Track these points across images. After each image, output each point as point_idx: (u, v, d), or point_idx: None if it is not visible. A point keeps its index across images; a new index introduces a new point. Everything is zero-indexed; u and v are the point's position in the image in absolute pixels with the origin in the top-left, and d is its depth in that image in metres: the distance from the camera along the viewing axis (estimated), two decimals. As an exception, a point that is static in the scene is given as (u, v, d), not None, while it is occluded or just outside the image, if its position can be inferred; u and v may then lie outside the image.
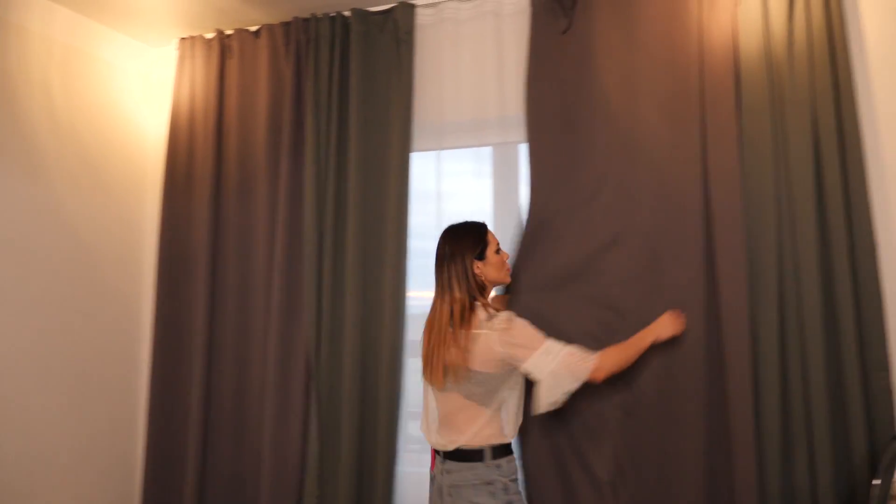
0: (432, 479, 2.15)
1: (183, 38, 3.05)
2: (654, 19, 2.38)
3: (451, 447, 2.07)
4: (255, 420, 2.78)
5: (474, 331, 2.01)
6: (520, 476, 2.16)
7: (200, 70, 3.00)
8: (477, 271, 2.09)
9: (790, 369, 2.18)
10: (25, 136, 2.63)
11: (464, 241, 2.11)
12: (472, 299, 2.07)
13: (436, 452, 2.14)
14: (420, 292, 2.60)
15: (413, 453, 2.75)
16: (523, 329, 2.02)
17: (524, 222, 2.44)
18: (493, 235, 2.17)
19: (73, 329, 2.81)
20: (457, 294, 2.06)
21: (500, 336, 1.99)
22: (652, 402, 2.26)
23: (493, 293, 2.33)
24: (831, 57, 2.21)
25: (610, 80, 2.38)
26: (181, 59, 3.04)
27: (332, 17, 2.77)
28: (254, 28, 2.96)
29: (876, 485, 1.76)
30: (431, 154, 2.74)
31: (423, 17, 2.72)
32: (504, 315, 2.03)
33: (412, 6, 2.70)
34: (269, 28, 2.90)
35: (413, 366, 2.56)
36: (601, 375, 2.01)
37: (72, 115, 2.84)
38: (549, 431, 2.31)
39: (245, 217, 2.88)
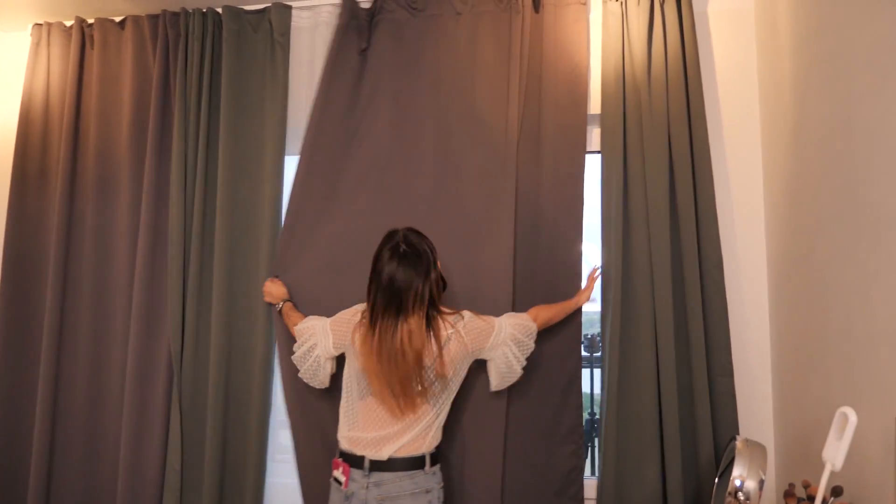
0: (349, 495, 1.97)
1: (38, 24, 2.84)
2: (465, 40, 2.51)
3: (384, 456, 1.96)
4: (111, 433, 2.63)
5: (443, 339, 1.99)
6: None
7: (57, 59, 2.82)
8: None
9: (642, 372, 2.30)
10: None
11: (421, 264, 1.98)
12: (434, 311, 2.02)
13: (350, 465, 2.00)
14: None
15: (282, 463, 2.67)
16: (476, 318, 2.07)
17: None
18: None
19: None
20: (420, 314, 1.96)
21: (466, 332, 2.02)
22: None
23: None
24: (685, 81, 2.36)
25: (398, 101, 2.51)
26: (35, 45, 2.84)
27: (204, 13, 2.68)
28: (118, 18, 2.81)
29: (717, 484, 1.87)
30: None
31: (298, 20, 2.68)
32: (465, 313, 2.06)
33: (288, 7, 2.66)
34: (134, 19, 2.76)
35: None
36: (540, 324, 2.17)
37: None
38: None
39: (104, 217, 2.72)
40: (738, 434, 2.23)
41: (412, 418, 1.99)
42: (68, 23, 2.84)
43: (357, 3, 2.58)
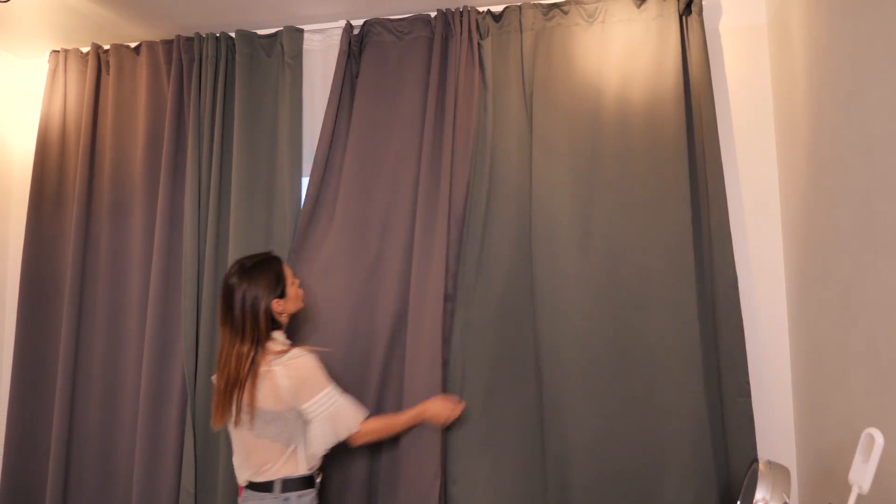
0: None
1: (55, 51, 2.89)
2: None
3: (242, 481, 2.04)
4: (125, 456, 2.63)
5: (263, 369, 1.97)
6: None
7: (73, 85, 2.86)
8: (278, 309, 2.06)
9: (665, 393, 2.26)
10: None
11: (261, 281, 2.03)
12: (266, 338, 2.02)
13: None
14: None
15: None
16: (311, 368, 2.00)
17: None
18: (287, 267, 2.14)
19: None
20: (249, 338, 1.99)
21: (287, 371, 1.97)
22: None
23: None
24: (696, 99, 2.34)
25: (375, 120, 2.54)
26: (52, 72, 2.88)
27: (217, 37, 2.71)
28: (133, 44, 2.85)
29: (737, 506, 1.83)
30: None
31: (310, 43, 2.70)
32: (294, 352, 2.01)
33: (300, 31, 2.68)
34: (149, 45, 2.79)
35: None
36: (359, 441, 2.07)
37: (-76, 126, 2.63)
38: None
39: (119, 239, 2.74)
40: (757, 456, 2.19)
41: (259, 454, 2.00)
42: (84, 49, 2.89)
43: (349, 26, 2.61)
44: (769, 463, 1.73)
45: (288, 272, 2.12)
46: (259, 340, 1.99)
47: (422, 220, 2.42)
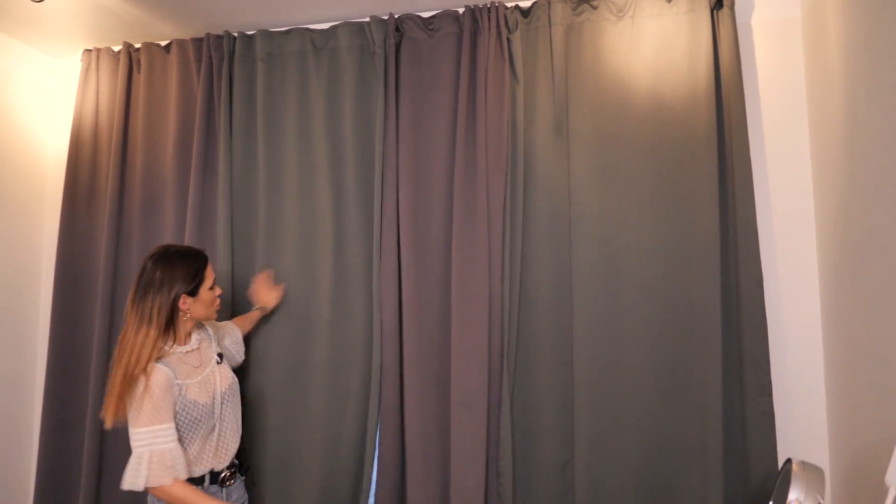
0: None
1: (87, 50, 2.93)
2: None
3: None
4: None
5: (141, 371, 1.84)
6: None
7: (105, 83, 2.89)
8: (184, 307, 1.94)
9: (690, 394, 2.25)
10: None
11: (178, 271, 1.92)
12: (164, 337, 1.90)
13: None
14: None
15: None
16: (141, 395, 1.81)
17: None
18: (211, 269, 2.03)
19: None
20: (153, 330, 1.86)
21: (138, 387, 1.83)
22: None
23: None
24: (727, 94, 2.32)
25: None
26: (85, 71, 2.92)
27: (249, 35, 2.73)
28: (164, 42, 2.88)
29: (769, 506, 1.81)
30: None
31: (340, 39, 2.66)
32: (150, 367, 1.84)
33: (331, 28, 2.67)
34: (179, 43, 2.82)
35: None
36: (158, 495, 1.83)
37: (-38, 125, 2.68)
38: None
39: (150, 236, 2.77)
40: (778, 455, 2.18)
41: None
42: (116, 48, 2.92)
43: (382, 21, 2.60)
44: (803, 463, 1.71)
45: (210, 276, 2.01)
46: (155, 338, 1.86)
47: (459, 216, 2.42)
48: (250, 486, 2.26)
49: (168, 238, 2.72)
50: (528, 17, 2.49)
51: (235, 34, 2.74)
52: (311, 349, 2.55)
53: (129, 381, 1.81)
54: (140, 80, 2.85)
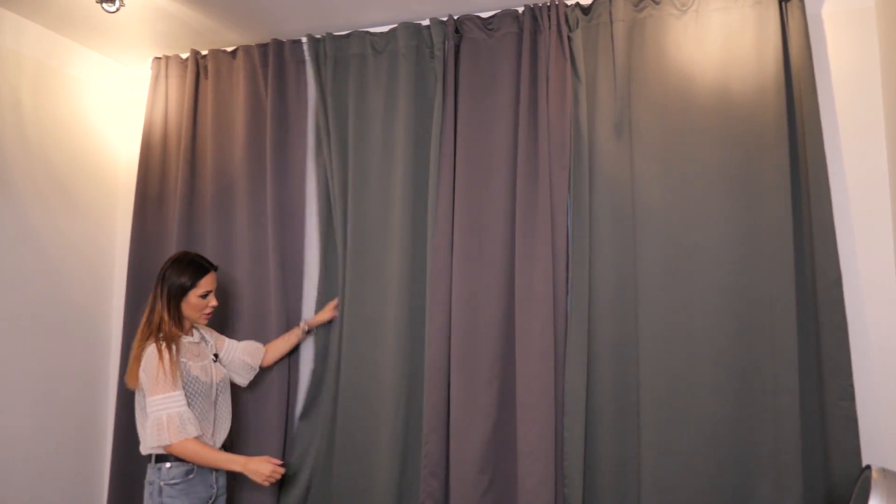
0: None
1: (157, 58, 3.03)
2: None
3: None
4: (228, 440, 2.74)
5: (148, 345, 2.17)
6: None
7: (174, 89, 2.99)
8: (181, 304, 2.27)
9: (764, 397, 2.19)
10: (-7, 153, 2.59)
11: (180, 272, 2.26)
12: (169, 322, 2.22)
13: None
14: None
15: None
16: (153, 367, 2.13)
17: None
18: (209, 281, 2.30)
19: (40, 348, 2.76)
20: (157, 314, 2.23)
21: (143, 362, 2.16)
22: None
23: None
24: (798, 88, 2.26)
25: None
26: (155, 77, 3.02)
27: (318, 38, 2.77)
28: (230, 48, 2.95)
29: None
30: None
31: (401, 41, 2.68)
32: (150, 347, 2.16)
33: (405, 26, 2.67)
34: (245, 49, 2.89)
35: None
36: (175, 451, 2.13)
37: (41, 132, 2.80)
38: None
39: (219, 237, 2.85)
40: (862, 462, 2.10)
41: (140, 423, 2.23)
42: (184, 55, 3.01)
43: (441, 23, 2.60)
44: (883, 471, 1.65)
45: (205, 285, 2.29)
46: (160, 320, 2.21)
47: (521, 217, 2.42)
48: (230, 478, 2.44)
49: (237, 239, 2.80)
50: (588, 15, 2.47)
51: (304, 38, 2.79)
52: (377, 350, 2.59)
53: (143, 347, 2.17)
54: (207, 85, 2.93)
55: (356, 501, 2.54)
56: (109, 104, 3.16)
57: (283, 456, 2.66)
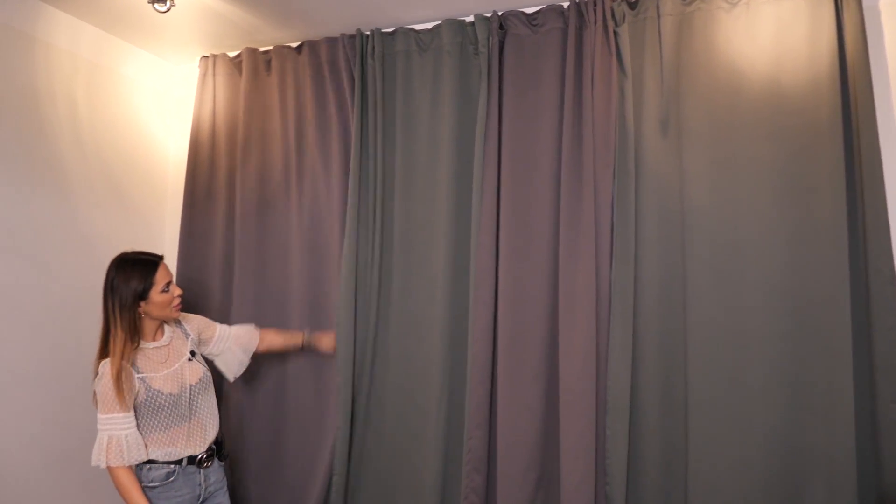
0: None
1: (204, 56, 3.08)
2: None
3: None
4: (292, 447, 2.80)
5: (101, 365, 2.05)
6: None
7: (222, 87, 3.03)
8: (140, 310, 2.09)
9: (815, 398, 2.15)
10: (50, 151, 2.66)
11: (130, 277, 2.06)
12: (123, 338, 2.04)
13: None
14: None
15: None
16: (102, 386, 2.01)
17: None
18: (164, 272, 2.13)
19: (90, 343, 2.79)
20: (119, 330, 2.03)
21: (95, 379, 2.05)
22: None
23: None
24: (854, 82, 2.20)
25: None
26: (203, 76, 3.07)
27: (367, 34, 2.77)
28: (264, 48, 2.99)
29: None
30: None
31: (457, 37, 2.66)
32: (104, 363, 2.03)
33: (461, 22, 2.67)
34: (278, 50, 2.93)
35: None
36: (111, 475, 2.02)
37: (95, 130, 2.87)
38: None
39: (267, 235, 2.89)
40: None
41: None
42: (232, 54, 3.06)
43: (485, 19, 2.59)
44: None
45: (162, 279, 2.11)
46: (123, 337, 2.03)
47: (566, 214, 2.40)
48: (228, 472, 2.46)
49: (288, 237, 2.84)
50: (635, 10, 2.44)
51: (352, 34, 2.79)
52: (421, 346, 2.60)
53: (95, 372, 2.05)
54: (253, 84, 2.96)
55: (400, 494, 2.57)
56: (159, 102, 3.23)
57: (329, 454, 2.68)
